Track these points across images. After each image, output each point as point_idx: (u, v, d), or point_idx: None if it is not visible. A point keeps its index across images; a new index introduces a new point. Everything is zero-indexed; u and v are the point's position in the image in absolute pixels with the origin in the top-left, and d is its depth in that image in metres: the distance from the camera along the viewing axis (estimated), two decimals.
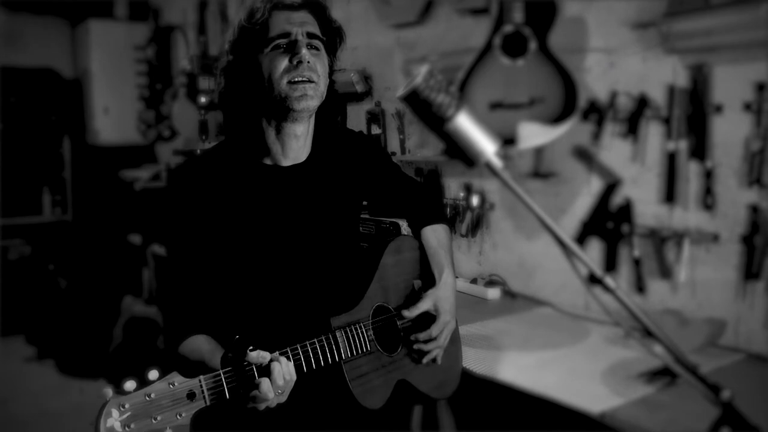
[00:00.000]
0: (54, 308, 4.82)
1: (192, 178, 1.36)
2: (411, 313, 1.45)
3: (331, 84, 1.41)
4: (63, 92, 5.23)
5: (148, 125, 4.64)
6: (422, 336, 1.47)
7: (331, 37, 1.40)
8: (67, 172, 5.27)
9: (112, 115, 4.99)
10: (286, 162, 1.40)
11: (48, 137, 5.18)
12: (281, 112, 1.33)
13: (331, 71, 1.42)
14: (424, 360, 1.50)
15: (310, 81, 1.30)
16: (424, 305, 1.46)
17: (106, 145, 5.01)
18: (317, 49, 1.34)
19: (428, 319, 1.49)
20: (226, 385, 1.10)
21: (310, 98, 1.31)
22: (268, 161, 1.40)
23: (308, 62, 1.30)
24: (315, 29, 1.34)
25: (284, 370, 1.16)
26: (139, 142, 4.88)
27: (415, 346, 1.48)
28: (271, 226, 1.37)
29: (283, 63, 1.30)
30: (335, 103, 1.46)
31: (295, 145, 1.39)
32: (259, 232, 1.36)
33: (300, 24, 1.32)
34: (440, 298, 1.49)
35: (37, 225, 5.12)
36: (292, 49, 1.30)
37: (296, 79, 1.29)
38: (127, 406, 0.99)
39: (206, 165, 1.38)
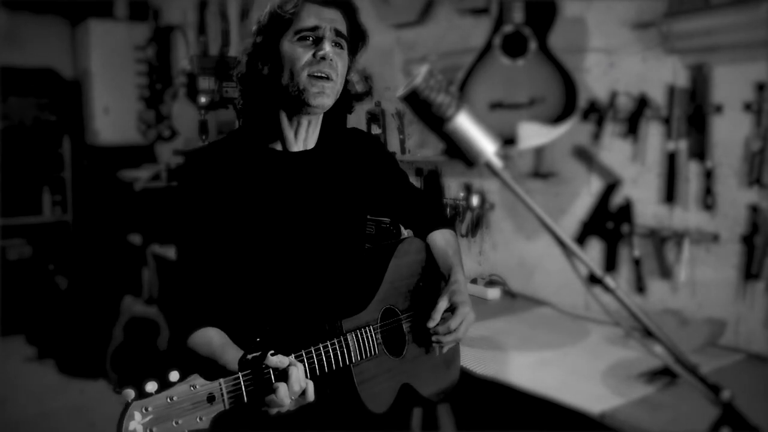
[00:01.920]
0: (54, 308, 4.82)
1: (201, 167, 1.36)
2: (433, 322, 1.43)
3: (345, 83, 1.42)
4: (63, 92, 5.23)
5: (148, 125, 4.64)
6: (441, 329, 1.44)
7: (355, 39, 1.42)
8: (67, 172, 5.27)
9: (112, 115, 4.99)
10: (296, 147, 1.41)
11: (48, 137, 5.18)
12: (296, 104, 1.34)
13: (348, 71, 1.43)
14: (445, 349, 1.49)
15: (329, 78, 1.32)
16: (441, 306, 1.44)
17: (106, 145, 5.01)
18: (341, 47, 1.36)
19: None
20: (245, 388, 1.09)
21: (327, 96, 1.33)
22: (278, 147, 1.40)
23: (331, 59, 1.31)
24: (343, 28, 1.36)
25: (300, 377, 1.15)
26: (139, 142, 4.88)
27: (434, 338, 1.46)
28: (281, 211, 1.37)
29: (306, 55, 1.31)
30: (347, 101, 1.46)
31: (306, 130, 1.40)
32: (268, 218, 1.36)
33: (330, 20, 1.33)
34: (454, 292, 1.47)
35: (37, 225, 5.12)
36: (317, 43, 1.31)
37: (316, 74, 1.30)
38: (150, 408, 0.98)
39: (216, 154, 1.38)
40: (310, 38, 1.32)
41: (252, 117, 1.43)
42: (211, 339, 1.26)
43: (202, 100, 3.56)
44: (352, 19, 1.39)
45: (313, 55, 1.31)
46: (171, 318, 1.38)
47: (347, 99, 1.46)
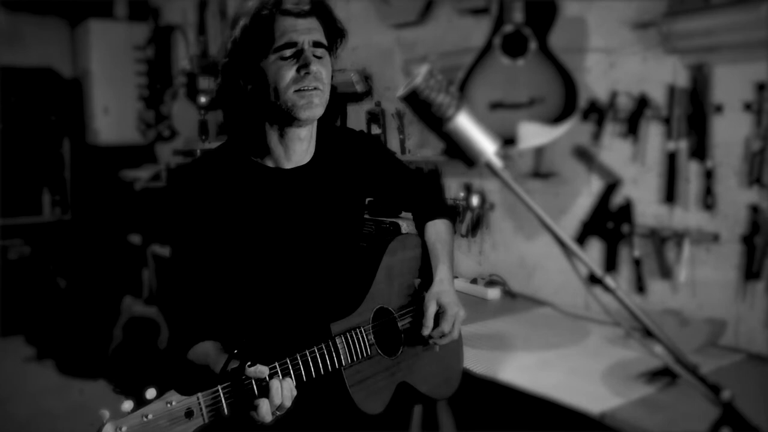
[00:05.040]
0: (54, 308, 4.82)
1: (194, 180, 1.35)
2: (427, 330, 1.44)
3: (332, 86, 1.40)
4: (63, 92, 5.23)
5: (148, 125, 4.64)
6: (435, 332, 1.45)
7: (335, 38, 1.39)
8: (67, 172, 5.27)
9: (112, 115, 4.99)
10: (288, 164, 1.40)
11: (48, 137, 5.18)
12: (286, 119, 1.33)
13: (332, 71, 1.41)
14: (432, 342, 1.50)
15: (316, 89, 1.30)
16: (431, 310, 1.45)
17: (106, 145, 5.01)
18: (321, 57, 1.33)
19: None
20: (225, 400, 1.09)
21: (316, 106, 1.31)
22: (270, 163, 1.39)
23: (316, 72, 1.29)
24: (320, 36, 1.33)
25: (284, 387, 1.15)
26: (139, 142, 4.88)
27: (432, 341, 1.47)
28: (274, 229, 1.37)
29: (290, 73, 1.29)
30: (335, 103, 1.45)
31: (299, 148, 1.39)
32: (261, 235, 1.36)
33: (307, 32, 1.30)
34: (441, 293, 1.47)
35: (37, 225, 5.12)
36: (299, 58, 1.29)
37: (303, 88, 1.29)
38: (124, 429, 0.99)
39: (208, 166, 1.38)
40: (291, 54, 1.29)
41: (238, 132, 1.42)
42: (208, 350, 1.27)
43: (202, 100, 3.57)
44: (329, 22, 1.37)
45: (297, 71, 1.29)
46: (170, 332, 1.39)
47: (335, 102, 1.43)
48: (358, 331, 1.37)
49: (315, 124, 1.41)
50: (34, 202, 5.15)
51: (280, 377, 1.17)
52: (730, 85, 1.89)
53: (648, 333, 0.86)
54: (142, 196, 4.42)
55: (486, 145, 0.89)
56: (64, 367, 4.11)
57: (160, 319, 3.92)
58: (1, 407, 3.59)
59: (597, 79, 2.20)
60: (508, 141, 2.08)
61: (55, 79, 5.22)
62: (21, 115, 5.04)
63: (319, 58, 1.32)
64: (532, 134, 2.09)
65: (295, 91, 1.29)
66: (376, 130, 2.91)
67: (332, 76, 1.40)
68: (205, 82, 3.61)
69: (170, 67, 4.77)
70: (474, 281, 2.54)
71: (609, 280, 0.86)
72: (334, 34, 1.38)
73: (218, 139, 3.57)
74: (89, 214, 5.21)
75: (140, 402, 1.02)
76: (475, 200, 2.59)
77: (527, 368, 1.80)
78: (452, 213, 2.60)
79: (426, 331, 1.44)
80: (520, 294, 2.48)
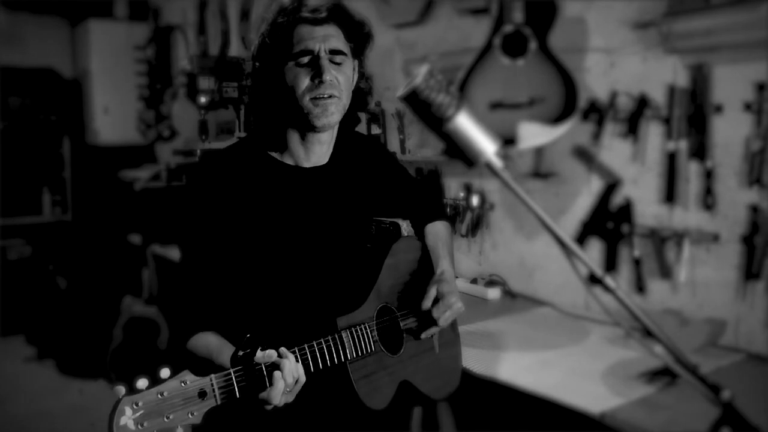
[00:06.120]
0: (54, 308, 4.82)
1: (213, 173, 1.37)
2: (428, 303, 1.46)
3: (358, 88, 1.42)
4: (63, 92, 5.23)
5: (148, 125, 4.64)
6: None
7: (359, 41, 1.40)
8: (67, 172, 5.27)
9: (112, 115, 4.99)
10: (307, 164, 1.42)
11: (48, 137, 5.18)
12: (305, 125, 1.35)
13: (361, 74, 1.43)
14: (423, 335, 1.51)
15: (332, 96, 1.31)
16: (432, 294, 1.47)
17: (106, 145, 5.01)
18: (340, 62, 1.33)
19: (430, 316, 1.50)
20: (237, 384, 1.11)
21: (331, 114, 1.33)
22: (289, 161, 1.41)
23: (330, 80, 1.30)
24: (338, 43, 1.33)
25: (292, 368, 1.17)
26: (139, 142, 4.88)
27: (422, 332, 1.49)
28: (289, 225, 1.39)
29: (306, 81, 1.30)
30: (360, 104, 1.47)
31: (320, 150, 1.42)
32: (275, 231, 1.37)
33: (323, 39, 1.31)
34: (441, 283, 1.50)
35: (37, 225, 5.12)
36: (314, 66, 1.30)
37: (318, 96, 1.30)
38: (140, 404, 1.00)
39: (228, 161, 1.39)
40: (307, 61, 1.31)
41: (261, 129, 1.45)
42: (209, 341, 1.27)
43: (202, 100, 3.56)
44: (348, 26, 1.37)
45: (311, 79, 1.30)
46: (172, 320, 1.39)
47: (360, 103, 1.46)
48: (362, 327, 1.38)
49: (336, 127, 1.43)
50: (34, 202, 5.15)
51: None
52: (730, 85, 1.89)
53: (648, 333, 0.86)
54: (142, 196, 4.42)
55: (486, 145, 0.89)
56: (64, 367, 4.11)
57: (160, 319, 3.92)
58: (1, 407, 3.59)
59: (597, 79, 2.20)
60: (508, 141, 2.09)
61: (55, 79, 5.23)
62: (21, 115, 5.04)
63: (337, 64, 1.33)
64: (532, 134, 2.09)
65: (311, 98, 1.31)
66: (376, 130, 2.91)
67: (358, 80, 1.42)
68: (205, 82, 3.60)
69: (170, 67, 4.77)
70: (474, 281, 2.54)
71: (609, 280, 0.86)
72: (357, 39, 1.39)
73: (219, 139, 3.57)
74: (89, 214, 5.21)
75: (154, 380, 1.03)
76: (475, 200, 2.59)
77: (527, 368, 1.80)
78: (450, 217, 2.63)
79: (426, 305, 1.45)
80: (520, 294, 2.48)
